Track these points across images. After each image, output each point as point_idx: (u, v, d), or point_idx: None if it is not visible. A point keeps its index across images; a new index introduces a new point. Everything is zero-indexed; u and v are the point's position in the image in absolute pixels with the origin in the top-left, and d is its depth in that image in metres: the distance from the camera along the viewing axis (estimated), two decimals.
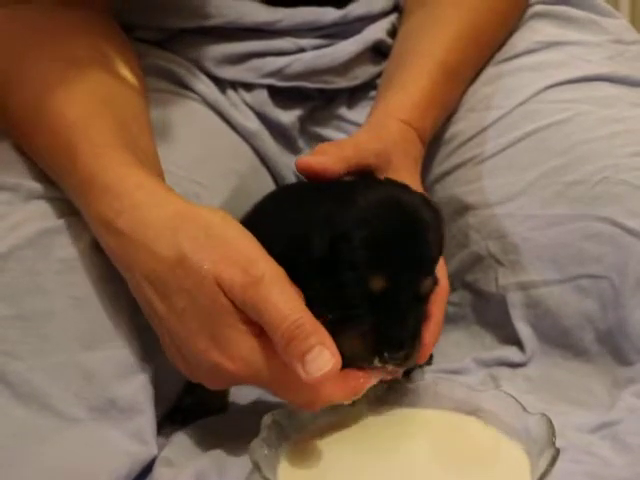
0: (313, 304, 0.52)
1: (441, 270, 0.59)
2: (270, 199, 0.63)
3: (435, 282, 0.56)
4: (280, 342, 0.50)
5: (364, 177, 0.62)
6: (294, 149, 0.78)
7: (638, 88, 0.72)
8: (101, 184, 0.56)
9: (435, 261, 0.56)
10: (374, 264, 0.52)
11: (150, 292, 0.54)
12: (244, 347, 0.51)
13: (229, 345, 0.51)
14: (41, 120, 0.59)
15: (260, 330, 0.51)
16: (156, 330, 0.56)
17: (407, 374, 0.65)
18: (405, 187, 0.58)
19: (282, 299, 0.50)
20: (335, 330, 0.51)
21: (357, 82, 0.78)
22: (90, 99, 0.60)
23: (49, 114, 0.59)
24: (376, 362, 0.53)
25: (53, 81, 0.60)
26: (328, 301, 0.53)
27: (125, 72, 0.64)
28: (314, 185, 0.61)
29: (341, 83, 0.78)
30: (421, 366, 0.68)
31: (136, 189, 0.55)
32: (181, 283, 0.52)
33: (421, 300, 0.55)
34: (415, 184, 0.62)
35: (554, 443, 0.51)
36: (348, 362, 0.51)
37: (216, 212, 0.55)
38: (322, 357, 0.49)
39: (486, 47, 0.75)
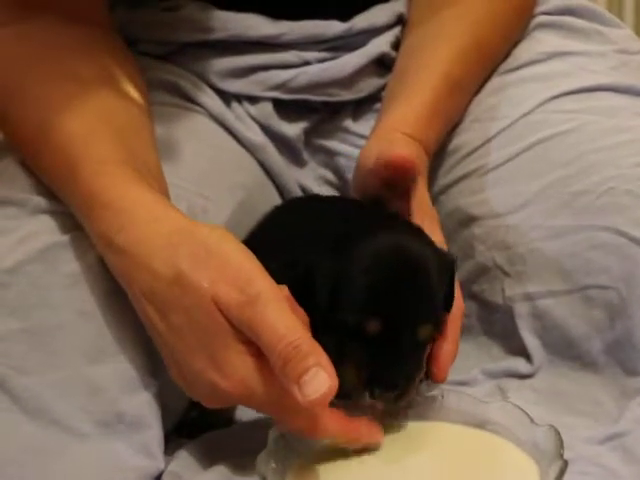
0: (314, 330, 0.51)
1: (457, 290, 0.59)
2: (275, 217, 0.64)
3: (437, 329, 0.57)
4: (277, 363, 0.49)
5: (376, 211, 0.63)
6: (299, 162, 0.78)
7: None
8: (101, 202, 0.56)
9: (436, 308, 0.56)
10: (371, 308, 0.53)
11: (149, 309, 0.54)
12: (241, 367, 0.51)
13: (226, 365, 0.51)
14: (44, 139, 0.60)
15: (258, 350, 0.51)
16: (157, 346, 0.56)
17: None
18: (415, 232, 0.59)
19: (279, 319, 0.49)
20: (331, 360, 0.50)
21: (361, 95, 0.78)
22: (91, 116, 0.60)
23: (51, 133, 0.59)
24: (367, 397, 0.54)
25: (55, 100, 0.61)
26: (326, 336, 0.53)
27: (128, 88, 0.64)
28: (321, 204, 0.62)
29: (346, 96, 0.78)
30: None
31: (135, 206, 0.55)
32: (179, 301, 0.52)
33: (419, 344, 0.55)
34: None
35: (562, 455, 0.50)
36: (339, 393, 0.50)
37: (215, 229, 0.54)
38: (318, 378, 0.48)
39: (490, 59, 0.75)
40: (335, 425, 0.52)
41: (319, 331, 0.52)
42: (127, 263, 0.55)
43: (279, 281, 0.52)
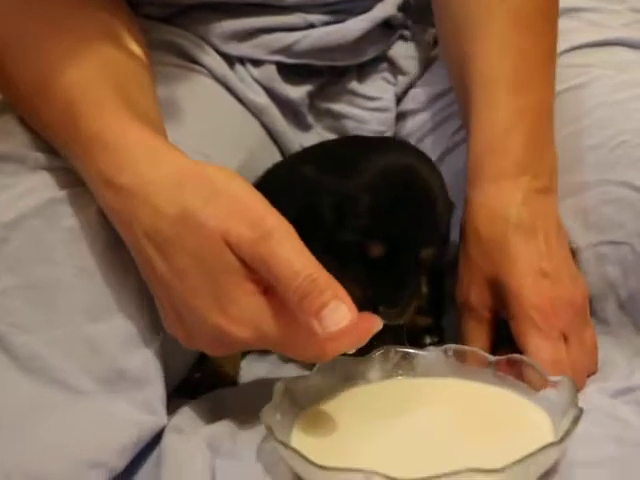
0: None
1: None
2: (281, 164, 0.63)
3: (440, 253, 0.57)
4: (293, 298, 0.48)
5: (378, 139, 0.63)
6: (303, 125, 0.76)
7: None
8: (102, 142, 0.54)
9: (439, 234, 0.57)
10: (376, 231, 0.53)
11: (150, 250, 0.52)
12: (250, 307, 0.50)
13: (234, 306, 0.50)
14: (43, 93, 0.58)
15: (267, 290, 0.50)
16: (155, 294, 0.54)
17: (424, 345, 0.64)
18: (416, 153, 0.59)
19: (294, 254, 0.49)
20: (337, 280, 0.50)
21: (366, 59, 0.77)
22: (91, 67, 0.59)
23: (51, 85, 0.58)
24: None
25: (54, 54, 0.59)
26: (331, 263, 0.52)
27: (129, 43, 0.63)
28: (326, 146, 0.62)
29: (350, 60, 0.76)
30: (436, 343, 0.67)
31: (138, 145, 0.54)
32: (184, 240, 0.51)
33: (420, 266, 0.56)
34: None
35: (577, 403, 0.49)
36: None
37: (222, 169, 0.53)
38: (339, 311, 0.47)
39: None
40: (344, 341, 0.50)
41: (322, 251, 0.51)
42: (129, 202, 0.53)
43: (285, 205, 0.51)
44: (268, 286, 0.50)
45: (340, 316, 0.47)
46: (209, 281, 0.50)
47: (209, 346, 0.53)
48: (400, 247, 0.54)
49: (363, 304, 0.53)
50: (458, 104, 0.69)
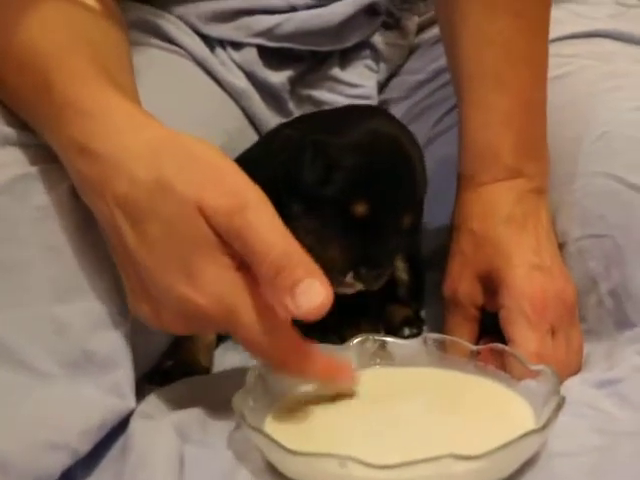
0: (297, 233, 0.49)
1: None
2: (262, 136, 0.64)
3: (417, 220, 0.58)
4: (268, 273, 0.46)
5: (364, 107, 0.64)
6: (284, 111, 0.75)
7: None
8: (78, 108, 0.52)
9: (419, 198, 0.57)
10: (359, 191, 0.53)
11: (120, 219, 0.50)
12: (220, 280, 0.48)
13: (204, 278, 0.48)
14: (12, 58, 0.56)
15: (241, 266, 0.48)
16: (121, 269, 0.52)
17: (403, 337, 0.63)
18: (399, 124, 0.60)
19: (270, 227, 0.47)
20: (318, 240, 0.51)
21: (349, 44, 0.75)
22: (65, 32, 0.57)
23: (21, 50, 0.56)
24: (349, 278, 0.54)
25: (19, 16, 0.57)
26: (312, 224, 0.53)
27: (103, 10, 0.61)
28: (310, 115, 0.63)
29: (333, 45, 0.75)
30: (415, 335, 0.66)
31: (115, 112, 0.52)
32: (157, 208, 0.49)
33: (401, 231, 0.56)
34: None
35: (559, 392, 0.48)
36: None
37: (200, 139, 0.51)
38: (313, 289, 0.46)
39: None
40: (318, 365, 0.49)
41: (303, 212, 0.52)
42: (102, 168, 0.51)
43: (266, 169, 0.51)
44: (241, 263, 0.48)
45: (314, 294, 0.46)
46: (180, 251, 0.48)
47: (175, 322, 0.51)
48: (383, 209, 0.54)
49: (344, 267, 0.53)
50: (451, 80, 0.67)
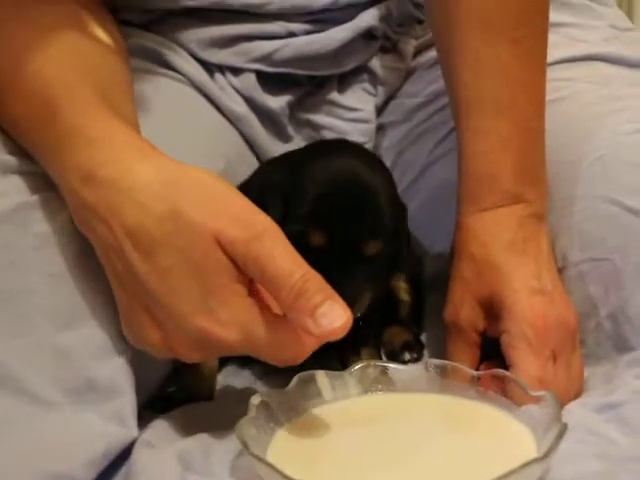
0: None
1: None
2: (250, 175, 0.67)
3: (383, 247, 0.57)
4: (288, 297, 0.48)
5: (336, 143, 0.67)
6: (283, 136, 0.75)
7: (635, 69, 0.70)
8: (85, 137, 0.53)
9: (384, 228, 0.58)
10: (315, 222, 0.56)
11: (128, 248, 0.50)
12: (239, 309, 0.49)
13: (222, 307, 0.49)
14: (18, 86, 0.57)
15: (255, 293, 0.49)
16: (122, 300, 0.52)
17: (403, 362, 0.63)
18: (366, 154, 0.63)
19: (286, 253, 0.49)
20: None
21: (347, 69, 0.76)
22: (69, 62, 0.57)
23: (26, 79, 0.56)
24: None
25: (26, 47, 0.58)
26: None
27: (106, 39, 0.61)
28: (291, 152, 0.66)
29: (331, 70, 0.75)
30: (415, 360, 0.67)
31: (119, 140, 0.53)
32: (170, 238, 0.49)
33: (367, 261, 0.57)
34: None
35: (560, 418, 0.48)
36: None
37: (206, 171, 0.52)
38: (334, 311, 0.48)
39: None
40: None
41: None
42: (111, 196, 0.51)
43: None
44: (251, 288, 0.50)
45: (335, 316, 0.48)
46: (195, 282, 0.49)
47: (188, 351, 0.51)
48: (341, 238, 0.56)
49: None
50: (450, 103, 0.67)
